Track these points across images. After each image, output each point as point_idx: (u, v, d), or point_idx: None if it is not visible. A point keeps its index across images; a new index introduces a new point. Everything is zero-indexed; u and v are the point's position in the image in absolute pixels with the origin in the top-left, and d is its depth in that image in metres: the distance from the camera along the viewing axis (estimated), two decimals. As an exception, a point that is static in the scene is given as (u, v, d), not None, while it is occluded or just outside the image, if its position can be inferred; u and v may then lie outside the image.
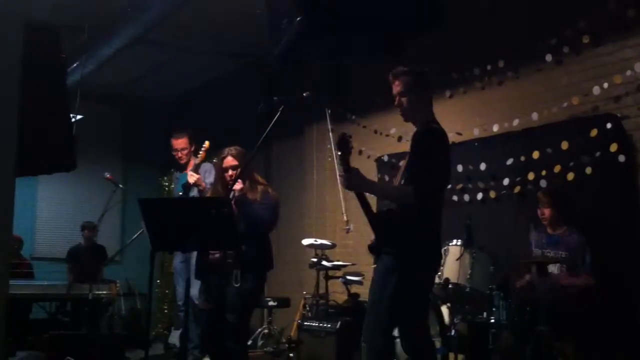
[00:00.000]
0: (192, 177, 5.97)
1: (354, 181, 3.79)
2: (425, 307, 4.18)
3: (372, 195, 4.17)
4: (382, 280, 3.82)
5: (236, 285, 4.81)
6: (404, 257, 3.76)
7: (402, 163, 4.12)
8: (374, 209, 4.11)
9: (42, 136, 2.46)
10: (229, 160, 5.05)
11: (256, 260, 4.93)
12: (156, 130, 11.97)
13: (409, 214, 3.79)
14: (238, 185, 4.84)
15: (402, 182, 3.91)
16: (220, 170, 5.11)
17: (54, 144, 2.57)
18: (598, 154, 5.38)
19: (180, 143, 6.72)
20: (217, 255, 4.93)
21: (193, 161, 6.32)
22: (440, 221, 3.94)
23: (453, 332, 5.23)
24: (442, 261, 5.36)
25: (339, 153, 3.77)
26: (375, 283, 3.89)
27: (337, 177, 3.84)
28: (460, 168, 6.54)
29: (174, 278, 7.16)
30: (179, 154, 6.69)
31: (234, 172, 4.98)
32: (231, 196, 4.75)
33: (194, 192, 6.15)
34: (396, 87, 4.00)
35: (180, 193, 6.28)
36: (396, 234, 3.82)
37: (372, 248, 3.98)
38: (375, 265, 4.05)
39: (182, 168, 6.74)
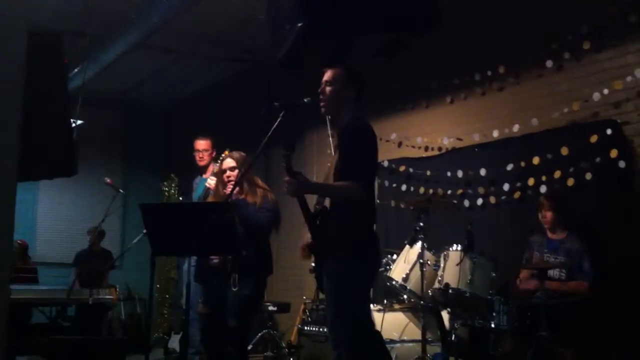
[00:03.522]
0: (212, 181, 6.00)
1: (298, 186, 3.75)
2: (369, 298, 4.19)
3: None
4: (336, 291, 3.83)
5: (235, 290, 4.81)
6: (346, 259, 3.77)
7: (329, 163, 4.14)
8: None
9: (43, 141, 2.47)
10: (228, 162, 5.09)
11: (256, 265, 4.94)
12: (156, 135, 12.00)
13: (343, 210, 3.82)
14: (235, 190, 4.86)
15: (334, 180, 3.91)
16: (220, 172, 5.15)
17: (55, 149, 2.58)
18: (598, 159, 5.38)
19: (203, 144, 6.83)
20: (216, 261, 4.95)
21: (212, 167, 6.37)
22: (374, 212, 4.01)
23: (453, 337, 5.23)
24: (443, 266, 5.37)
25: (284, 157, 3.74)
26: (329, 294, 3.90)
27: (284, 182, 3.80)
28: (460, 173, 6.55)
29: (182, 282, 7.17)
30: (201, 154, 6.78)
31: (232, 173, 5.01)
32: (229, 200, 4.77)
33: None
34: (325, 76, 4.00)
35: (181, 198, 6.31)
36: (334, 233, 3.83)
37: (311, 249, 4.00)
38: (314, 265, 4.06)
39: (201, 171, 6.80)
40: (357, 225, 3.83)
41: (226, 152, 5.83)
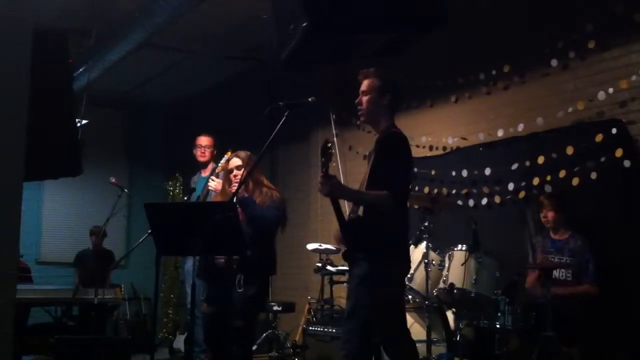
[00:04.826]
0: (212, 182, 6.03)
1: (331, 188, 3.82)
2: (402, 306, 4.20)
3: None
4: (357, 290, 3.87)
5: (240, 290, 4.81)
6: (375, 262, 3.80)
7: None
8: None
9: (48, 141, 2.47)
10: (235, 162, 5.10)
11: (260, 265, 4.93)
12: (161, 135, 12.02)
13: (376, 218, 3.86)
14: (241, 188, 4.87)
15: (367, 186, 3.97)
16: (227, 172, 5.16)
17: (59, 149, 2.58)
18: (603, 159, 5.37)
19: (205, 140, 6.91)
20: (221, 260, 4.95)
21: (212, 165, 6.42)
22: (407, 221, 4.04)
23: (458, 337, 5.22)
24: (447, 265, 5.37)
25: (322, 159, 3.82)
26: (351, 292, 3.96)
27: (318, 183, 3.90)
28: (465, 173, 6.54)
29: (185, 281, 7.20)
30: (203, 150, 6.85)
31: (239, 172, 5.02)
32: (235, 199, 4.78)
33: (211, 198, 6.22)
34: (363, 86, 4.09)
35: (185, 198, 6.34)
36: (366, 239, 3.87)
37: (345, 255, 4.04)
38: (348, 270, 4.11)
39: (200, 167, 6.84)
40: (386, 232, 3.87)
41: (229, 153, 5.85)
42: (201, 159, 6.87)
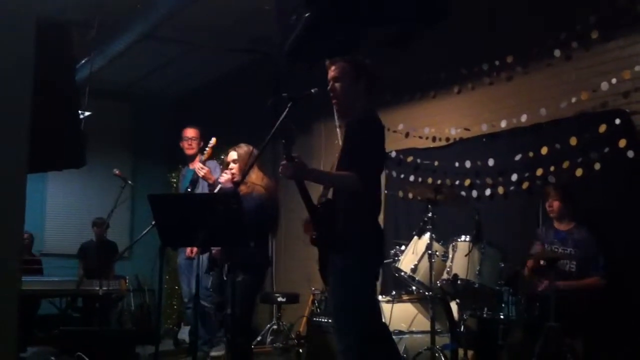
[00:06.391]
0: (201, 170, 6.06)
1: (296, 169, 3.74)
2: (374, 291, 4.16)
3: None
4: (341, 284, 3.82)
5: (232, 280, 4.83)
6: (353, 254, 3.74)
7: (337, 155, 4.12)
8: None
9: (51, 133, 2.47)
10: (231, 155, 5.16)
11: (251, 256, 4.93)
12: (164, 127, 12.01)
13: (347, 201, 3.78)
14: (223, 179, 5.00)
15: (337, 169, 3.90)
16: (225, 165, 5.23)
17: (63, 141, 2.59)
18: (607, 149, 5.36)
19: (191, 132, 7.03)
20: (214, 252, 4.99)
21: (199, 157, 6.45)
22: (380, 205, 3.97)
23: (462, 328, 5.23)
24: (451, 256, 5.37)
25: (283, 141, 3.73)
26: (334, 286, 3.89)
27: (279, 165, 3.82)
28: (468, 164, 6.54)
29: (179, 275, 7.24)
30: (189, 142, 6.94)
31: (234, 165, 5.08)
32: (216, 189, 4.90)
33: (203, 187, 6.24)
34: (331, 73, 3.96)
35: (189, 189, 6.36)
36: (339, 225, 3.79)
37: (315, 241, 3.97)
38: (318, 256, 4.06)
39: (188, 160, 6.89)
40: (361, 218, 3.81)
41: (214, 140, 5.89)
42: (188, 152, 6.92)
